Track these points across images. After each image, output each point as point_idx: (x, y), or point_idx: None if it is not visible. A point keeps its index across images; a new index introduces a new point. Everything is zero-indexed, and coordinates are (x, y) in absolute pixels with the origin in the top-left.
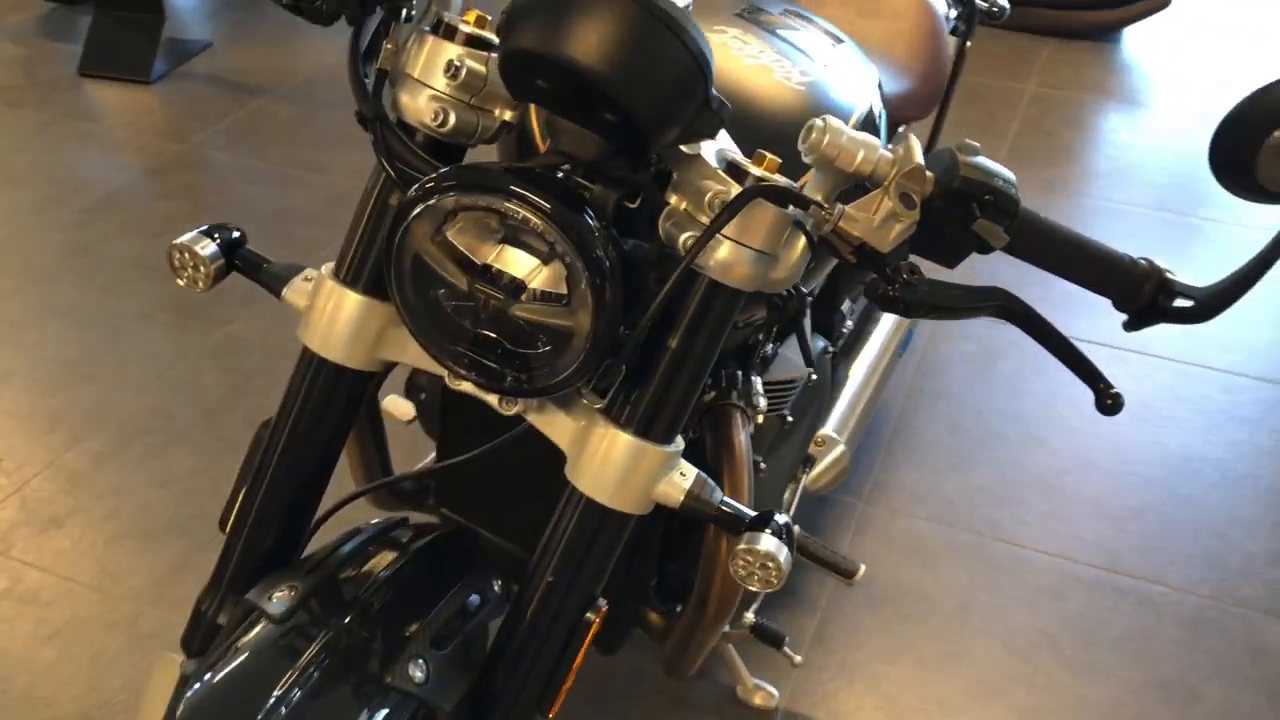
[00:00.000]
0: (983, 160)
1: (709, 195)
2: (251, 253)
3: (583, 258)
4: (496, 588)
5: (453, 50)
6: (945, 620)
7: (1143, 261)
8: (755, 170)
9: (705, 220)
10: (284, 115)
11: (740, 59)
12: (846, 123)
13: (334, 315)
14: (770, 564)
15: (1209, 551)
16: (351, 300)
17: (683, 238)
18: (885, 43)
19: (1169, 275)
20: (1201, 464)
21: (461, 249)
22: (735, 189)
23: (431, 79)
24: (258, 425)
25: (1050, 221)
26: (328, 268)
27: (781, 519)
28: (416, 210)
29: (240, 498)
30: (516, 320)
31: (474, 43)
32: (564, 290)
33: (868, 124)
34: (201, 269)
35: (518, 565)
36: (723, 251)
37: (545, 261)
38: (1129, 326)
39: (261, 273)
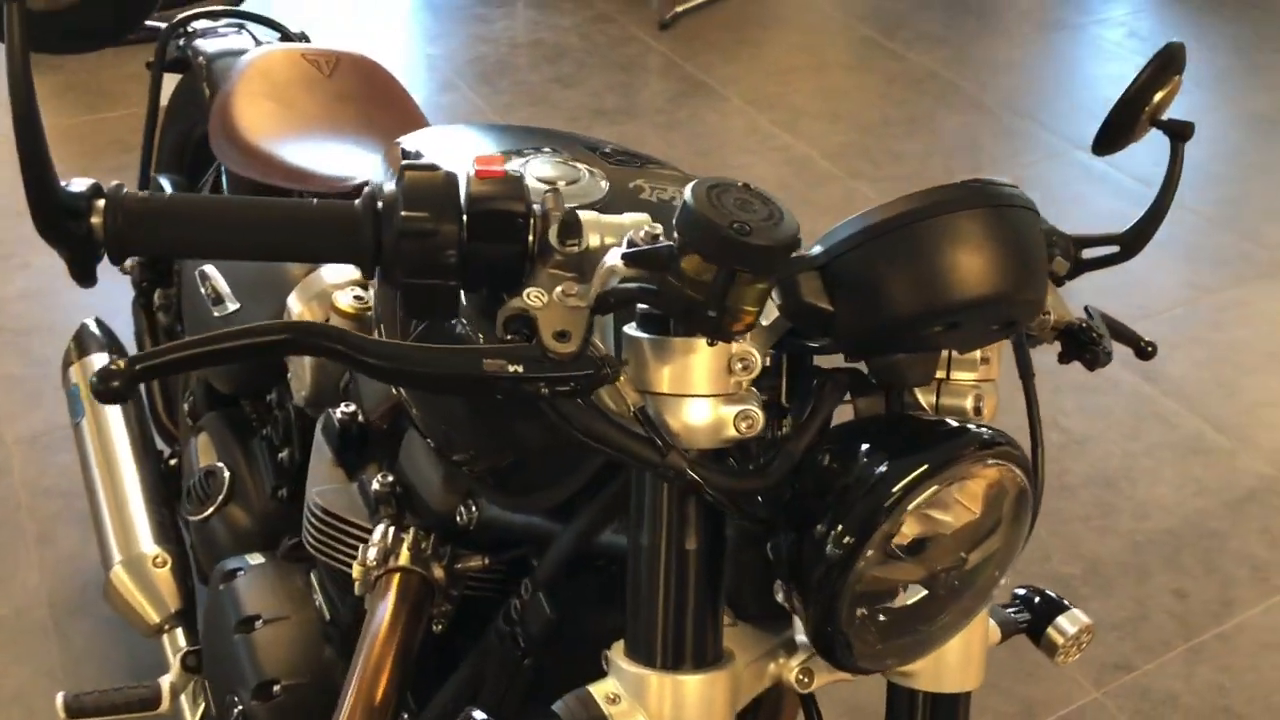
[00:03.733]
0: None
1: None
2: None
3: (1019, 462)
4: None
5: (728, 345)
6: None
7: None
8: None
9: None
10: None
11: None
12: None
13: (680, 710)
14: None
15: None
16: (697, 684)
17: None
18: (386, 122)
19: (1084, 234)
20: None
21: (921, 536)
22: None
23: (713, 385)
24: None
25: None
26: (630, 665)
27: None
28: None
29: None
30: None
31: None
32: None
33: None
34: None
35: None
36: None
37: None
38: (1059, 283)
39: None
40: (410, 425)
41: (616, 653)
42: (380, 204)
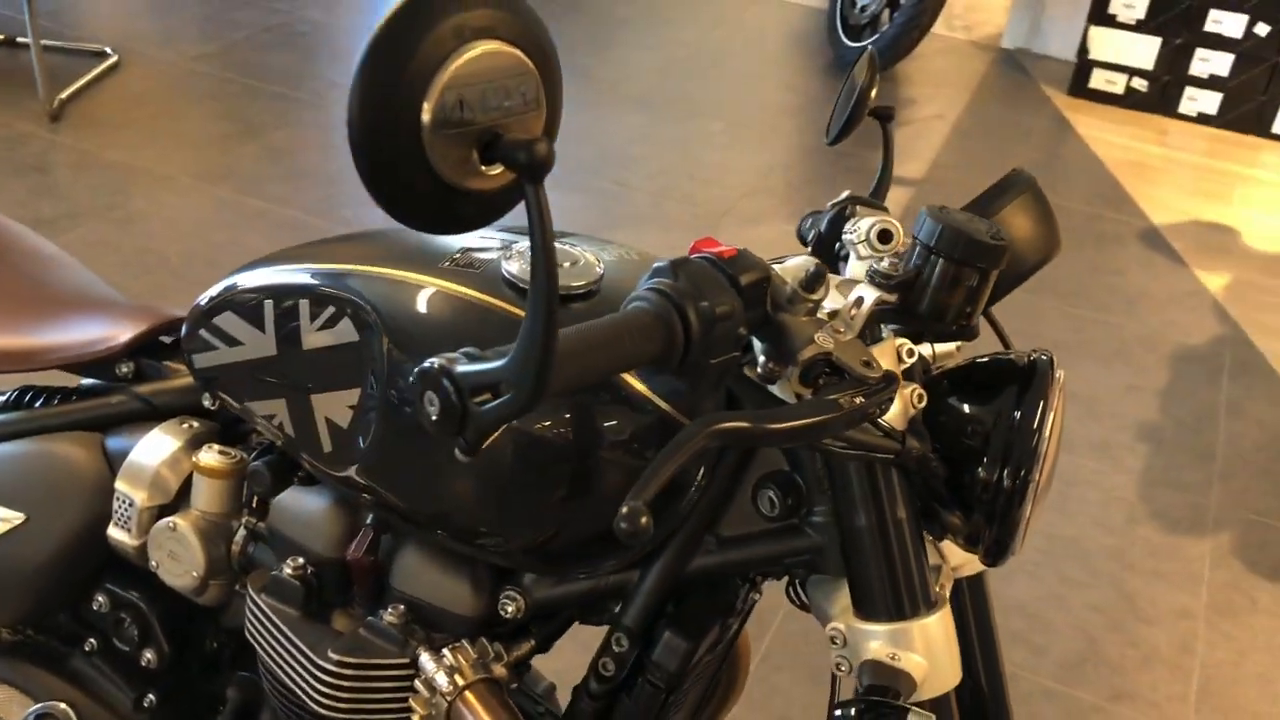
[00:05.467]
0: None
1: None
2: None
3: None
4: None
5: (894, 339)
6: None
7: None
8: None
9: None
10: None
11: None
12: None
13: (933, 645)
14: None
15: None
16: (938, 621)
17: None
18: (51, 275)
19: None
20: None
21: None
22: None
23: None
24: None
25: None
26: (878, 625)
27: None
28: None
29: None
30: None
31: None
32: None
33: None
34: None
35: None
36: None
37: None
38: None
39: None
40: (401, 543)
41: (849, 620)
42: (676, 298)
